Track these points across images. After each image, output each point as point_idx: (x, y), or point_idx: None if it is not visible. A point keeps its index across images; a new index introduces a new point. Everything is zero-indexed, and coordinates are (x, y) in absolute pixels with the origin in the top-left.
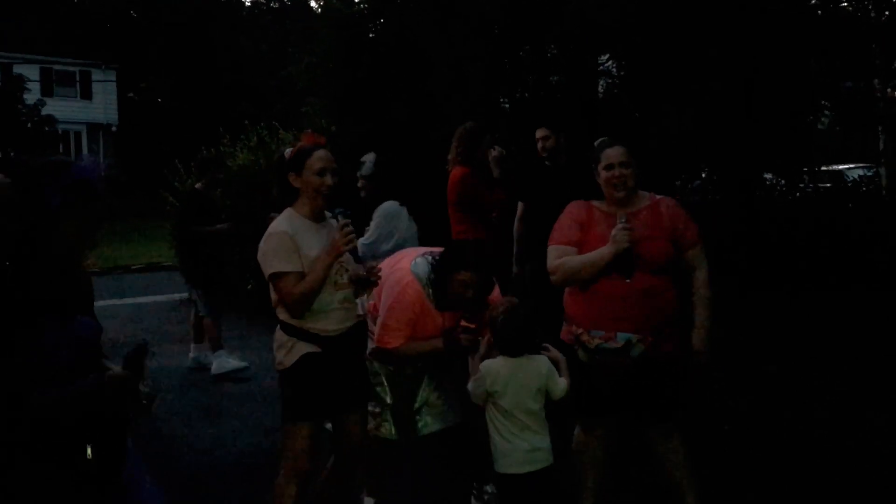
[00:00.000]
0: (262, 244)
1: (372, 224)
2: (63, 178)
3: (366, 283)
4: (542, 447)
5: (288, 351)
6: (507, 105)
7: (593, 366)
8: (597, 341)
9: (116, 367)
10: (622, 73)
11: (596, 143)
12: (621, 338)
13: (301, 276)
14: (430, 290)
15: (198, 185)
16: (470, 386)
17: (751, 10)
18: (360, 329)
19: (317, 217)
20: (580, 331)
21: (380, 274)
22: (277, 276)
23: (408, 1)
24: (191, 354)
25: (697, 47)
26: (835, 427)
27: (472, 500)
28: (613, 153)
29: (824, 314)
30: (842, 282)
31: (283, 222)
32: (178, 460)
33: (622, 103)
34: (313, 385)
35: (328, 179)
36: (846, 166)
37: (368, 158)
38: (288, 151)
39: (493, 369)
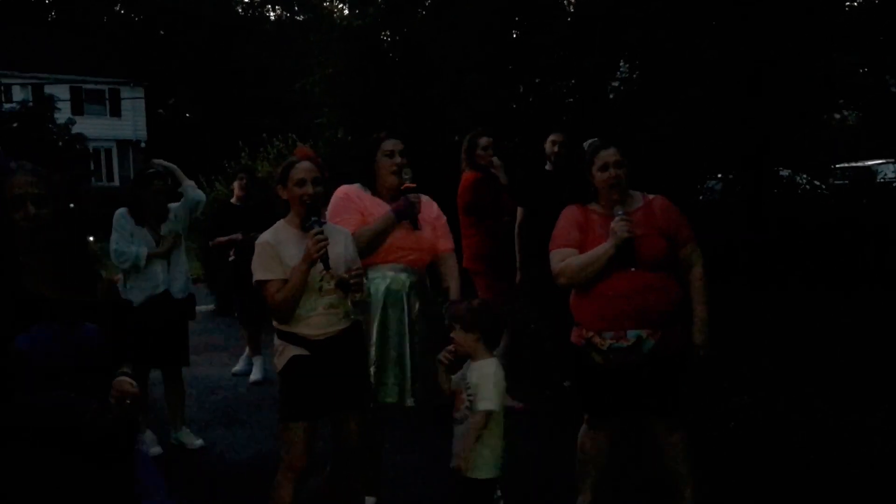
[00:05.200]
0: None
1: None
2: None
3: (348, 285)
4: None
5: (279, 354)
6: (514, 106)
7: (606, 367)
8: (609, 342)
9: (125, 379)
10: (635, 74)
11: (586, 145)
12: (631, 335)
13: (283, 283)
14: (364, 186)
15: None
16: (490, 393)
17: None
18: (353, 332)
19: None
20: (591, 334)
21: (359, 274)
22: (261, 284)
23: (413, 12)
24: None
25: (698, 41)
26: (837, 426)
27: None
28: (607, 154)
29: (833, 313)
30: (854, 281)
31: (268, 233)
32: (194, 465)
33: (630, 107)
34: (303, 386)
35: (308, 189)
36: (875, 162)
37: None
38: None
39: (497, 371)
